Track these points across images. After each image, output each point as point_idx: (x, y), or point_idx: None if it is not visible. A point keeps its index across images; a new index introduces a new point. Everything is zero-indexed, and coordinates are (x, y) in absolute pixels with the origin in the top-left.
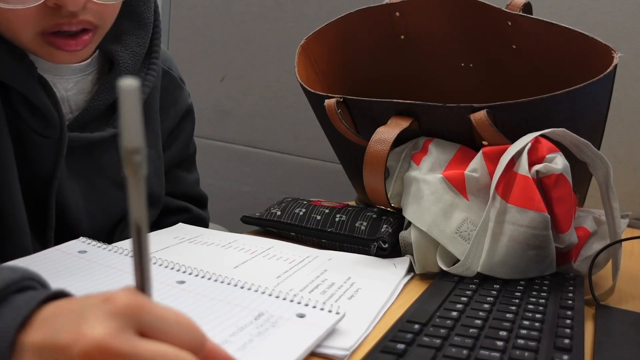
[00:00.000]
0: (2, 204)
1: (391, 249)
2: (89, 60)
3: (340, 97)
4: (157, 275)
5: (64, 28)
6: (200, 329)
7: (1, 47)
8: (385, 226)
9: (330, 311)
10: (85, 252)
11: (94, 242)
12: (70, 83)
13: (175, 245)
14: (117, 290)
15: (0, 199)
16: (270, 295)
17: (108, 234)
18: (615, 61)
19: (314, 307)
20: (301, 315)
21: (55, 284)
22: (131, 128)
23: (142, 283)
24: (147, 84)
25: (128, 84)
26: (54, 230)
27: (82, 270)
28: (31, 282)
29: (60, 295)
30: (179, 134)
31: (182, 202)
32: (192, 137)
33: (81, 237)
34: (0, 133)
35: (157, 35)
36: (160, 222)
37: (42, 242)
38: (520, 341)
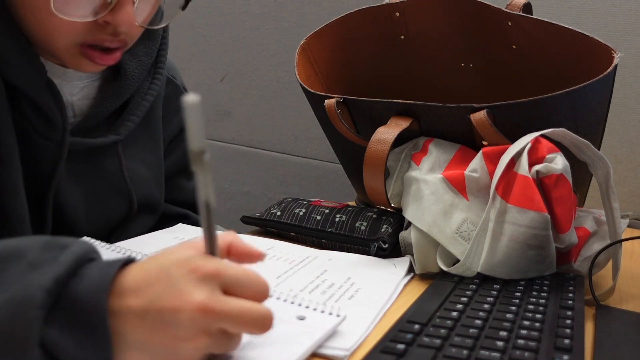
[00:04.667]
0: (6, 200)
1: (391, 249)
2: None
3: (340, 97)
4: None
5: (105, 44)
6: (263, 279)
7: (14, 47)
8: (385, 226)
9: (330, 313)
10: None
11: (97, 242)
12: (76, 88)
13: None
14: (193, 258)
15: (4, 195)
16: (270, 296)
17: (105, 238)
18: (615, 61)
19: (315, 309)
20: (301, 318)
21: None
22: (196, 135)
23: (212, 249)
24: (151, 92)
25: (191, 99)
26: (51, 232)
27: None
28: (95, 254)
29: (129, 261)
30: (180, 142)
31: (181, 209)
32: None
33: (84, 237)
34: (7, 131)
35: (164, 47)
36: (158, 228)
37: None
38: (521, 341)
